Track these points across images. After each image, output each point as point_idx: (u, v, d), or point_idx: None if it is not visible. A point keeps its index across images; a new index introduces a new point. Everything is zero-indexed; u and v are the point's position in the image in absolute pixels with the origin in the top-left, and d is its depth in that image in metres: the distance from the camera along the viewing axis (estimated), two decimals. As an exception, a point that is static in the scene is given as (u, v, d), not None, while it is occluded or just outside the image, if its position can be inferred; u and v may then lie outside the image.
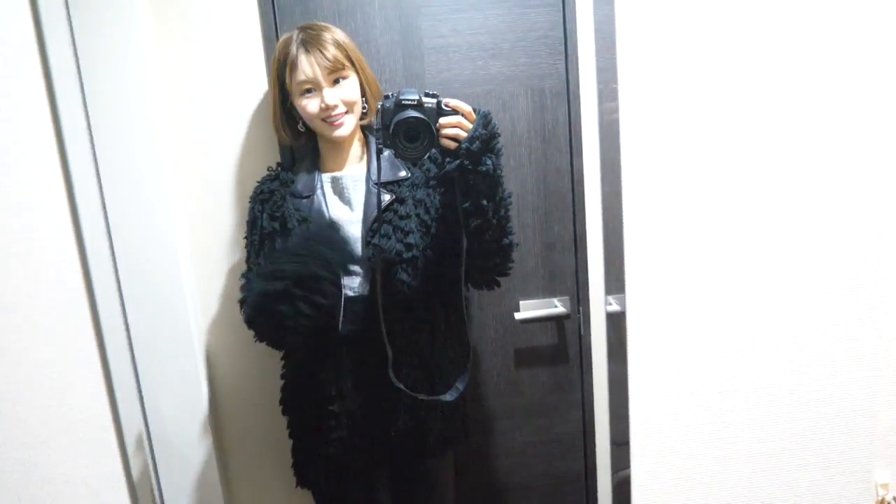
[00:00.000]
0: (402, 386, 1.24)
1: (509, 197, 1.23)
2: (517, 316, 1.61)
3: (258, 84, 1.43)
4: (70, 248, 0.69)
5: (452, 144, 1.14)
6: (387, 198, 1.28)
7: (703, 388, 0.86)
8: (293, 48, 1.26)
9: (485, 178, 1.15)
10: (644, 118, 0.81)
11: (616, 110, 0.86)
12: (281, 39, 1.30)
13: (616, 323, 0.98)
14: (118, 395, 0.77)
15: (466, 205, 1.17)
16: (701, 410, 0.87)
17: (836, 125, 0.83)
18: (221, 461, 1.53)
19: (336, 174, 1.35)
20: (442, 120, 1.14)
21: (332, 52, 1.26)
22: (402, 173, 1.32)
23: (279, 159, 1.46)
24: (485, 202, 1.17)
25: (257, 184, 1.38)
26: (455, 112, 1.14)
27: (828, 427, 0.90)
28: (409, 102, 1.14)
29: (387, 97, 1.16)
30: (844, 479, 0.92)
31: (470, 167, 1.13)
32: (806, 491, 0.92)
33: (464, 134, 1.14)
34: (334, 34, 1.28)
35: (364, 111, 1.35)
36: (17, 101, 0.72)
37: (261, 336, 1.25)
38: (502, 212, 1.22)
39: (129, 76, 1.32)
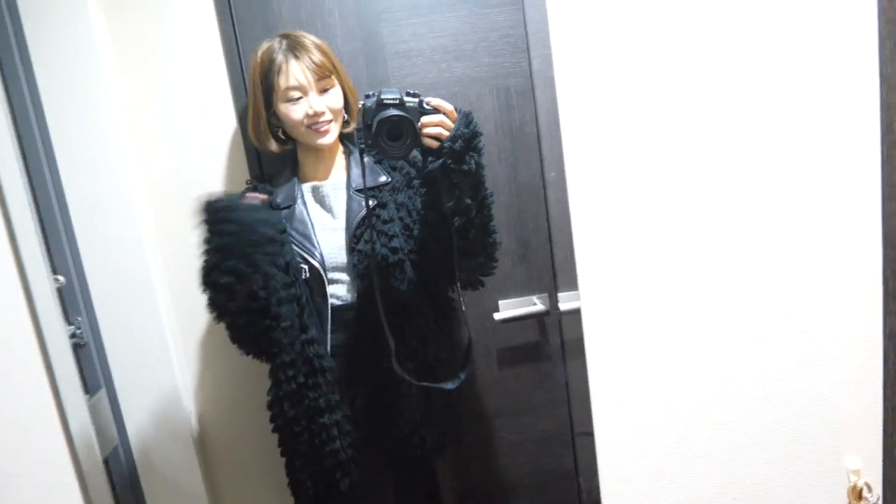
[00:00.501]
0: (406, 375, 1.23)
1: (491, 196, 1.23)
2: (497, 316, 1.61)
3: (222, 96, 1.43)
4: (14, 287, 0.69)
5: (435, 143, 1.14)
6: (369, 203, 1.27)
7: (665, 386, 0.86)
8: (279, 55, 1.26)
9: (467, 177, 1.15)
10: (585, 112, 0.80)
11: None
12: (262, 48, 1.29)
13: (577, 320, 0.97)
14: (81, 431, 0.77)
15: (450, 204, 1.17)
16: (666, 409, 0.87)
17: (790, 115, 0.83)
18: (210, 483, 1.53)
19: (316, 183, 1.35)
20: (424, 119, 1.14)
21: (318, 57, 1.26)
22: (382, 178, 1.32)
23: (248, 172, 1.45)
24: (468, 201, 1.17)
25: None
26: (437, 111, 1.14)
27: (794, 418, 0.90)
28: (391, 101, 1.14)
29: (368, 96, 1.16)
30: (815, 469, 0.92)
31: (453, 166, 1.13)
32: (777, 483, 0.92)
33: (446, 133, 1.13)
34: (315, 41, 1.29)
35: (345, 119, 1.35)
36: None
37: (218, 315, 1.22)
38: (485, 211, 1.21)
39: (90, 95, 1.33)
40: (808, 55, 0.82)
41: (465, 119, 1.14)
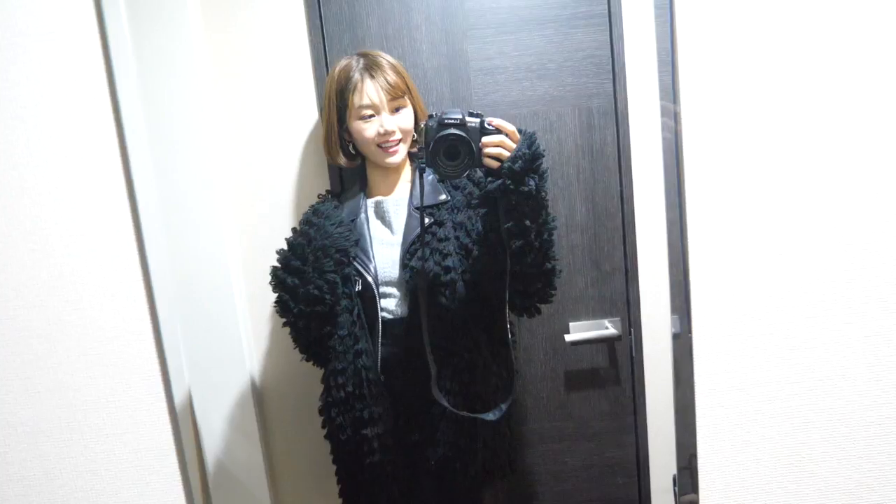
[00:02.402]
0: (444, 401, 1.22)
1: (553, 221, 1.21)
2: (567, 338, 1.58)
3: (308, 107, 1.46)
4: (136, 278, 0.71)
5: (495, 164, 1.14)
6: (426, 221, 1.28)
7: (775, 419, 0.83)
8: (356, 74, 1.29)
9: (527, 199, 1.14)
10: (706, 138, 0.79)
11: (667, 129, 0.84)
12: (339, 65, 1.32)
13: (672, 345, 0.94)
14: (184, 419, 0.78)
15: (509, 225, 1.16)
16: (773, 443, 0.83)
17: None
18: (272, 484, 1.54)
19: (379, 198, 1.37)
20: (484, 139, 1.14)
21: (393, 77, 1.29)
22: (442, 197, 1.32)
23: (328, 179, 1.48)
24: (527, 223, 1.16)
25: (305, 211, 1.39)
26: (498, 131, 1.14)
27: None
28: (452, 121, 1.14)
29: (431, 117, 1.17)
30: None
31: (512, 186, 1.13)
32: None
33: (506, 153, 1.13)
34: (391, 61, 1.32)
35: (414, 139, 1.36)
36: (87, 125, 0.75)
37: (281, 313, 1.28)
38: (545, 235, 1.20)
39: (185, 100, 1.37)
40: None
41: (528, 140, 1.13)
